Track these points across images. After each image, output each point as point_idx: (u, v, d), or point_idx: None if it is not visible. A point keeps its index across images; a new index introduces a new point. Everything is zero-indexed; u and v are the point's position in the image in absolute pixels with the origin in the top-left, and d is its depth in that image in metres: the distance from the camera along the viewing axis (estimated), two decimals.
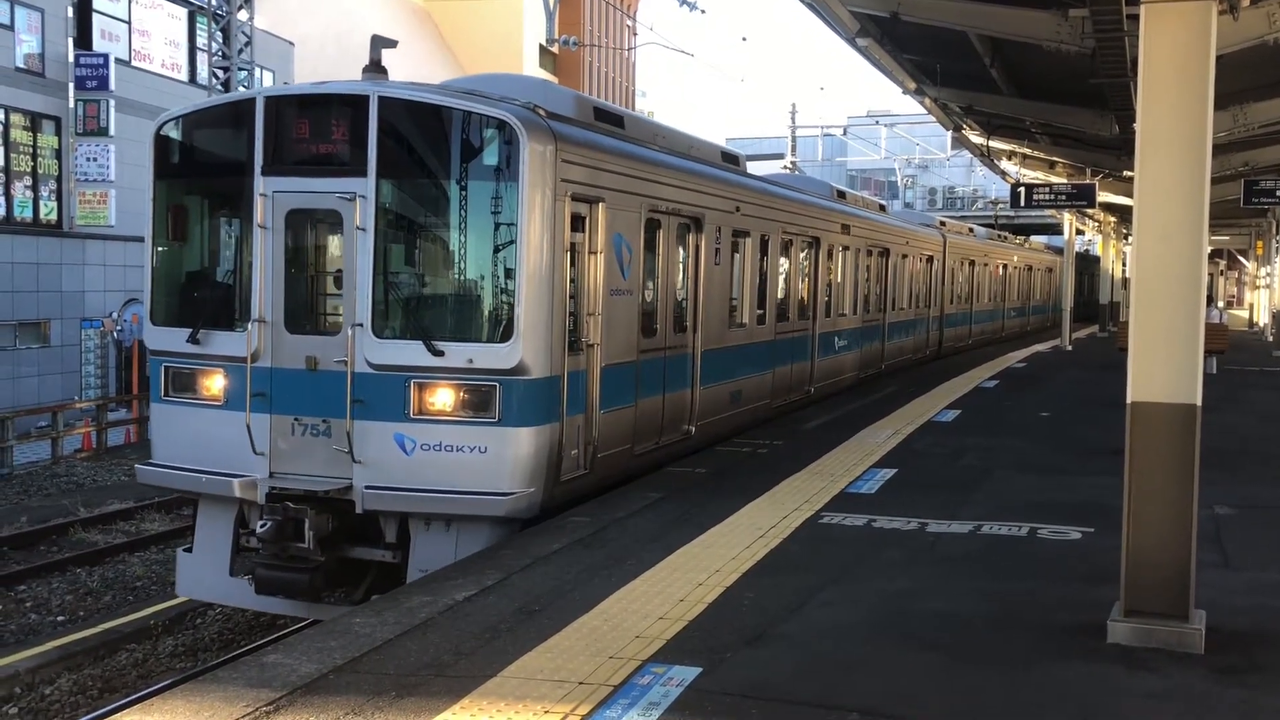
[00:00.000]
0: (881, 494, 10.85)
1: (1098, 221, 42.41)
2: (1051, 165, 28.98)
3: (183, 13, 32.74)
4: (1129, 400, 6.62)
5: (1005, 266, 37.57)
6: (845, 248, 19.33)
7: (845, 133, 56.23)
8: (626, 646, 6.35)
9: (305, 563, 9.12)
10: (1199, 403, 6.51)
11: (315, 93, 9.72)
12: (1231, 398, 19.67)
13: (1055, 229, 55.11)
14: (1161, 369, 6.53)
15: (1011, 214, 57.13)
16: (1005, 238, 41.17)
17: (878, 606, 7.26)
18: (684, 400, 12.68)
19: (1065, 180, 28.25)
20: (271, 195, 9.44)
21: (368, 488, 9.14)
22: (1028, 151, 27.20)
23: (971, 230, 34.95)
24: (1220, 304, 51.10)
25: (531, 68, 59.08)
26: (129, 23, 30.73)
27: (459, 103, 9.34)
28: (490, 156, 9.28)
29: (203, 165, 10.24)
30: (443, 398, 9.15)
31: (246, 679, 5.82)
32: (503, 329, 9.22)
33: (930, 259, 26.74)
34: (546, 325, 9.32)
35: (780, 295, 16.33)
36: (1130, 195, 7.62)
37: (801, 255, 17.21)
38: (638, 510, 9.97)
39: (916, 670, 6.14)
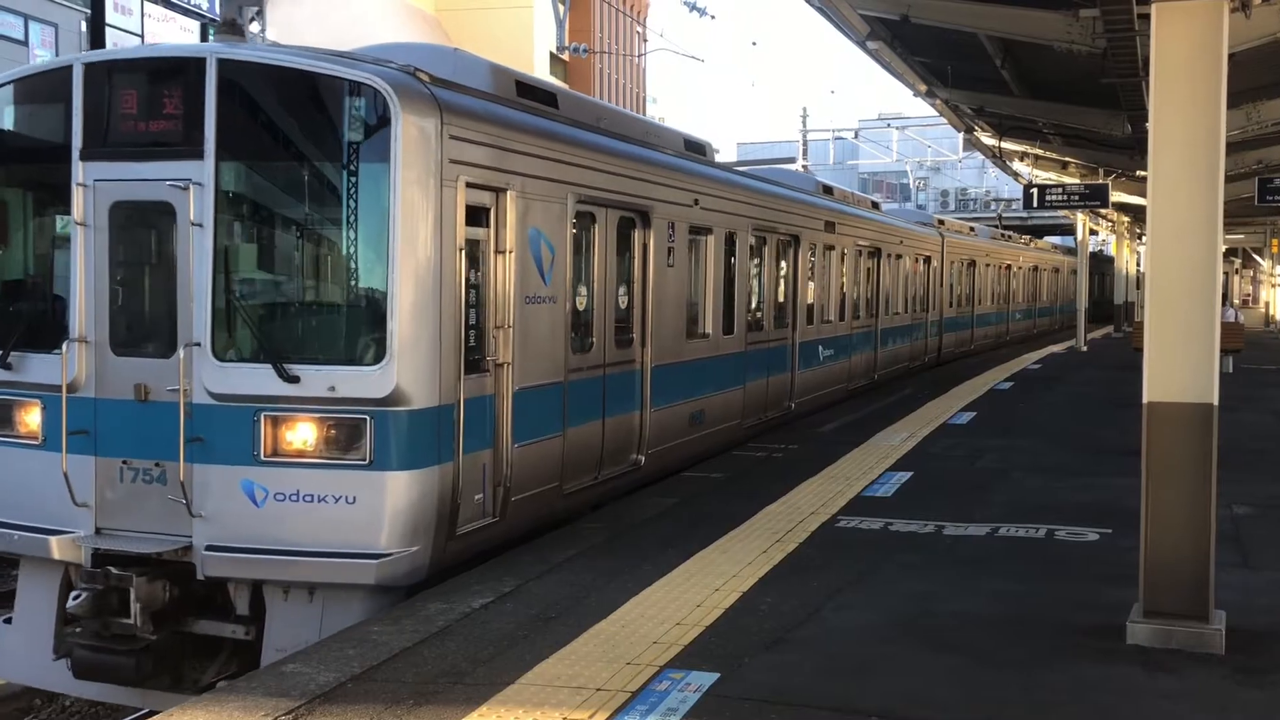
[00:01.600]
0: (898, 497, 10.83)
1: (1111, 222, 42.27)
2: (1064, 166, 28.89)
3: (194, 25, 32.92)
4: (1146, 400, 6.59)
5: (1009, 267, 36.18)
6: (830, 247, 17.71)
7: (857, 136, 56.13)
8: (643, 652, 6.35)
9: (132, 641, 7.39)
10: (1216, 402, 6.49)
11: (143, 56, 8.15)
12: (1249, 397, 19.58)
13: (1068, 229, 54.97)
14: (1178, 369, 6.51)
15: (1024, 215, 56.99)
16: (1009, 237, 39.85)
17: (895, 610, 7.25)
18: (631, 425, 10.91)
19: (1078, 180, 28.17)
20: (92, 185, 7.74)
21: (209, 548, 7.43)
22: (1040, 152, 27.11)
23: (973, 229, 33.56)
24: (1236, 303, 50.87)
25: (543, 75, 59.20)
26: (141, 36, 30.90)
27: (316, 64, 7.63)
28: (355, 131, 7.57)
29: (19, 151, 8.31)
30: (301, 435, 7.44)
31: (265, 688, 5.84)
32: (373, 348, 7.47)
33: (927, 259, 25.38)
34: (432, 342, 7.60)
35: (753, 301, 14.63)
36: (1144, 195, 7.58)
37: (778, 255, 15.60)
38: (652, 516, 9.96)
39: (935, 673, 6.12)
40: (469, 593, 7.53)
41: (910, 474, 11.99)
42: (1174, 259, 6.52)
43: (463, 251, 7.93)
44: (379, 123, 7.45)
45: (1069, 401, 19.44)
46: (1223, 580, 6.94)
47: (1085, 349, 32.76)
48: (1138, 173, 25.33)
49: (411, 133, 7.48)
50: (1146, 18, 8.24)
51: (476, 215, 8.28)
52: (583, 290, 10.09)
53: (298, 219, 7.92)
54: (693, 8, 34.08)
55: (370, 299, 7.62)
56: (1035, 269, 41.48)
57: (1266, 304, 55.06)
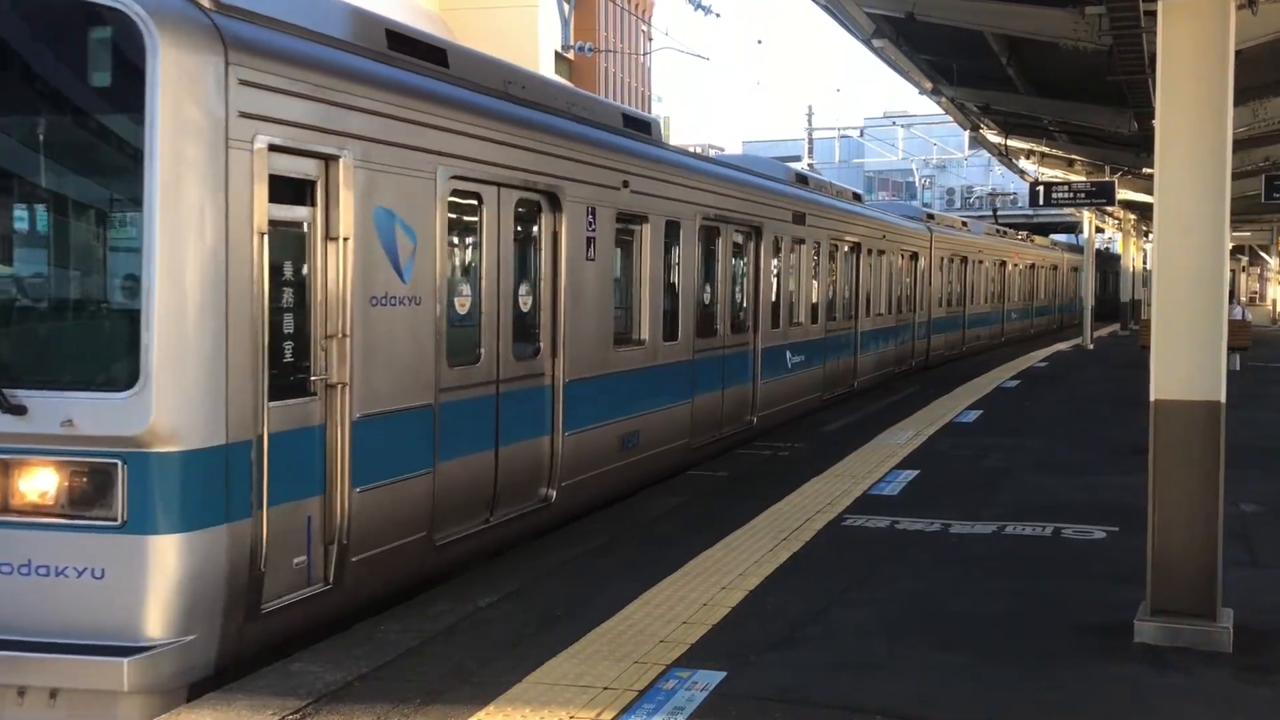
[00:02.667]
0: (904, 496, 10.82)
1: (1117, 219, 42.18)
2: (1070, 163, 28.84)
3: None
4: (1152, 398, 6.59)
5: (1005, 264, 34.60)
6: (800, 241, 15.99)
7: (862, 134, 56.17)
8: (650, 651, 6.35)
9: None
10: (1223, 399, 6.48)
11: None
12: (1256, 394, 19.54)
13: (1074, 227, 54.87)
14: (1184, 366, 6.50)
15: (1030, 213, 56.87)
16: (1005, 232, 38.22)
17: (902, 608, 7.24)
18: (538, 454, 9.09)
19: (1084, 178, 28.12)
20: None
21: None
22: (1046, 150, 27.07)
23: (965, 224, 32.22)
24: (1243, 300, 50.76)
25: (547, 74, 59.22)
26: None
27: None
28: (99, 72, 5.76)
29: None
30: (32, 485, 5.71)
31: (272, 687, 5.84)
32: (123, 367, 5.68)
33: (914, 256, 23.81)
34: (212, 357, 5.77)
35: (702, 301, 12.73)
36: (1150, 192, 7.60)
37: (736, 250, 13.87)
38: (658, 515, 9.96)
39: (942, 672, 6.12)
40: (475, 592, 7.54)
41: (917, 472, 11.98)
42: (1181, 256, 6.51)
43: (265, 237, 6.04)
44: (131, 60, 5.59)
45: (1075, 399, 19.42)
46: (1230, 578, 6.93)
47: (1092, 347, 32.73)
48: (1144, 170, 25.29)
49: (176, 73, 5.60)
50: (1153, 14, 8.22)
51: (292, 189, 6.43)
52: (464, 289, 8.22)
53: (23, 190, 6.07)
54: (698, 6, 34.10)
55: (119, 300, 5.83)
56: (1032, 266, 40.09)
57: (1273, 301, 54.94)
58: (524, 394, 8.91)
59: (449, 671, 6.06)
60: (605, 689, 5.79)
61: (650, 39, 78.49)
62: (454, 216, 8.00)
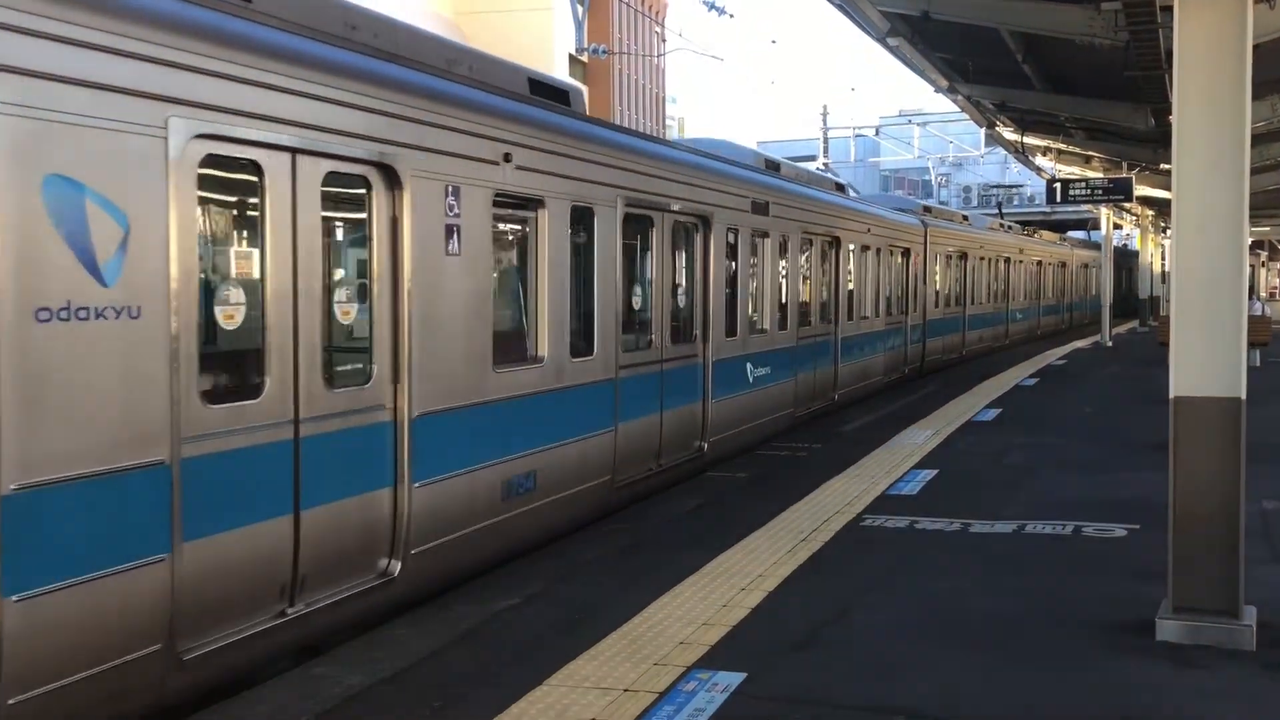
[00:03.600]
0: (923, 495, 10.79)
1: (1135, 215, 42.01)
2: (1087, 160, 28.74)
3: None
4: (1172, 395, 6.56)
5: (1009, 261, 32.45)
6: (763, 234, 13.97)
7: (878, 133, 55.99)
8: (670, 653, 6.35)
9: None
10: (1244, 396, 6.44)
11: None
12: (1277, 390, 19.42)
13: (1085, 224, 54.66)
14: (1204, 363, 6.47)
15: (1047, 210, 56.65)
16: (1010, 227, 35.94)
17: (923, 608, 7.22)
18: (370, 512, 6.89)
19: (1101, 175, 28.02)
20: None
21: None
22: (1063, 147, 26.99)
23: (966, 218, 29.94)
24: (1262, 296, 50.47)
25: (561, 77, 59.34)
26: None
27: None
28: None
29: None
30: None
31: (296, 691, 5.86)
32: None
33: (906, 252, 21.85)
34: None
35: (632, 306, 10.72)
36: (1168, 188, 7.55)
37: (677, 244, 11.72)
38: (676, 518, 9.96)
39: (964, 671, 6.10)
40: (495, 595, 7.55)
41: (936, 472, 11.95)
42: (1199, 252, 6.48)
43: None
44: None
45: (1095, 397, 19.34)
46: (1253, 576, 6.89)
47: (1110, 344, 32.59)
48: (1161, 166, 25.19)
49: None
50: (1169, 10, 8.19)
51: None
52: (232, 296, 5.98)
53: None
54: (711, 7, 34.09)
55: None
56: (1039, 264, 37.64)
57: None
58: (343, 437, 6.69)
59: (470, 674, 6.07)
60: (625, 691, 5.79)
61: (664, 40, 78.48)
62: (212, 194, 6.00)
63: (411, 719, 5.49)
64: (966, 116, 25.37)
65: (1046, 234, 43.50)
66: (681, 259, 11.97)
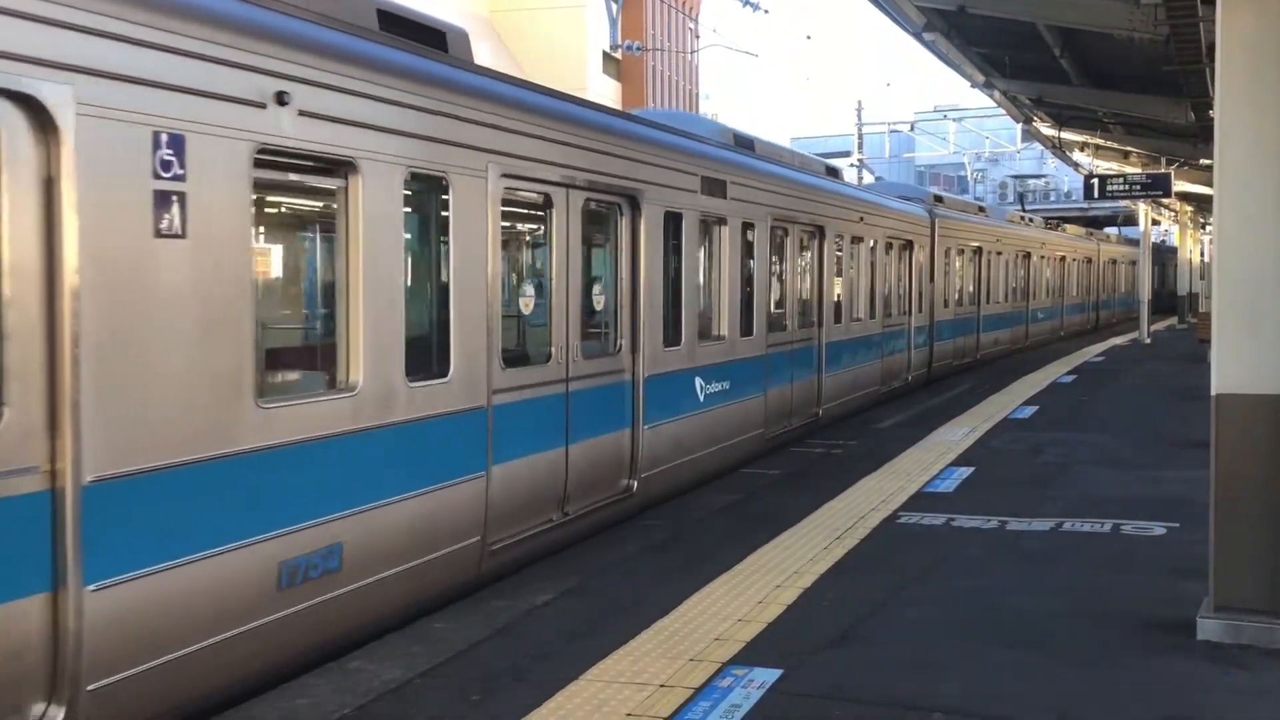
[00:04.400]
0: (959, 492, 10.74)
1: (1174, 211, 41.61)
2: (1125, 155, 28.52)
3: None
4: (1214, 392, 6.50)
5: (1028, 256, 30.08)
6: (718, 221, 11.61)
7: (913, 128, 55.74)
8: (706, 649, 6.35)
9: None
10: None
11: None
12: None
13: (1130, 220, 54.15)
14: (1247, 359, 6.40)
15: (1084, 205, 56.17)
16: (1030, 220, 33.67)
17: (960, 605, 7.19)
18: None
19: (1140, 170, 27.78)
20: None
21: None
22: (1100, 142, 26.79)
23: (983, 209, 27.93)
24: None
25: (595, 74, 59.34)
26: None
27: None
28: None
29: None
30: None
31: (333, 685, 5.90)
32: None
33: (909, 245, 19.79)
34: None
35: (519, 309, 8.75)
36: (1208, 184, 7.50)
37: (590, 232, 9.46)
38: (712, 513, 9.96)
39: (1002, 669, 6.07)
40: (531, 590, 7.58)
41: (972, 469, 11.89)
42: (1242, 248, 6.42)
43: None
44: None
45: (1133, 394, 19.18)
46: None
47: (1149, 341, 32.31)
48: (1202, 161, 24.94)
49: None
50: (1210, 3, 8.11)
51: None
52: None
53: None
54: (746, 2, 34.01)
55: None
56: (1062, 259, 35.07)
57: None
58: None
59: (505, 669, 6.10)
60: (661, 686, 5.80)
61: (698, 37, 78.39)
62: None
63: (448, 713, 5.52)
64: (1003, 112, 25.23)
65: (1071, 228, 41.39)
66: (597, 251, 9.73)
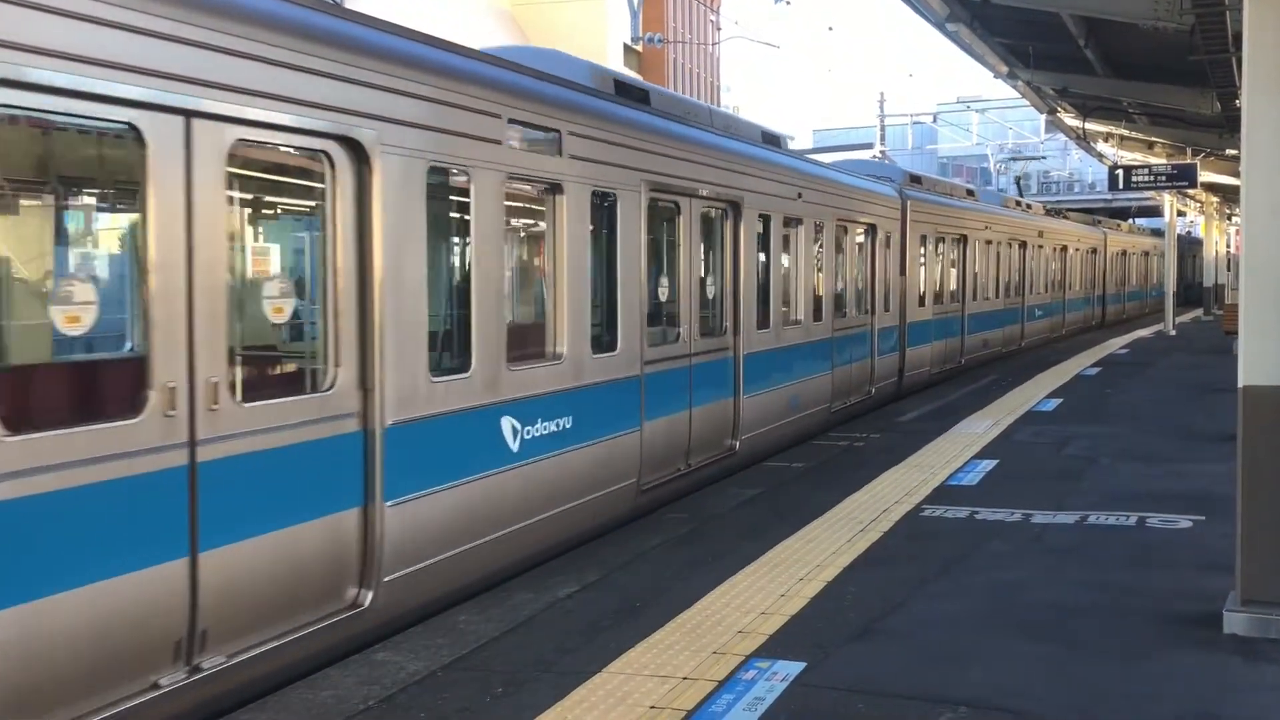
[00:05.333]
0: (983, 486, 10.70)
1: (1199, 202, 41.32)
2: (1150, 146, 28.32)
3: None
4: (1240, 384, 6.45)
5: (1024, 246, 26.58)
6: (550, 189, 8.44)
7: (935, 120, 55.47)
8: (729, 642, 6.35)
9: None
10: None
11: None
12: None
13: (1154, 211, 53.77)
14: (1274, 351, 6.35)
15: (1108, 197, 55.85)
16: (1028, 206, 30.03)
17: (984, 599, 7.17)
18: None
19: (1165, 161, 27.59)
20: None
21: None
22: (1125, 133, 26.61)
23: (971, 192, 24.27)
24: None
25: (616, 66, 59.32)
26: None
27: None
28: None
29: None
30: None
31: (358, 677, 5.94)
32: None
33: (872, 231, 16.45)
34: None
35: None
36: (1234, 174, 7.45)
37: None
38: (734, 506, 9.96)
39: (1027, 662, 6.04)
40: (554, 582, 7.60)
41: (996, 462, 11.84)
42: (1269, 238, 6.36)
43: None
44: None
45: (1158, 387, 19.06)
46: None
47: (1174, 332, 32.11)
48: (1228, 151, 24.75)
49: None
50: None
51: None
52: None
53: None
54: None
55: None
56: (1065, 249, 31.54)
57: None
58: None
59: (529, 661, 6.11)
60: (684, 679, 5.80)
61: (719, 29, 78.22)
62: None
63: (472, 704, 5.54)
64: (1026, 103, 25.09)
65: (1076, 215, 38.07)
66: (263, 227, 7.00)
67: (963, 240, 21.67)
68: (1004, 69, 20.28)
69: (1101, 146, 29.70)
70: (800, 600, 7.11)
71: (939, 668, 5.97)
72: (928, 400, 17.35)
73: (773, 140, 13.74)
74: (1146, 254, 48.10)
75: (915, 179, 20.27)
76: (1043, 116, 28.78)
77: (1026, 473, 11.31)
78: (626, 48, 62.78)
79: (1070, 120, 25.46)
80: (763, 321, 12.40)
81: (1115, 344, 28.92)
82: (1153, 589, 7.34)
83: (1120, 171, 26.09)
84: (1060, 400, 17.04)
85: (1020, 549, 8.41)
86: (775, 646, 6.27)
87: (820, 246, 14.34)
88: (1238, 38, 13.36)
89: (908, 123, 57.91)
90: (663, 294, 10.41)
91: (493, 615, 6.92)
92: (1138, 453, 12.45)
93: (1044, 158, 52.99)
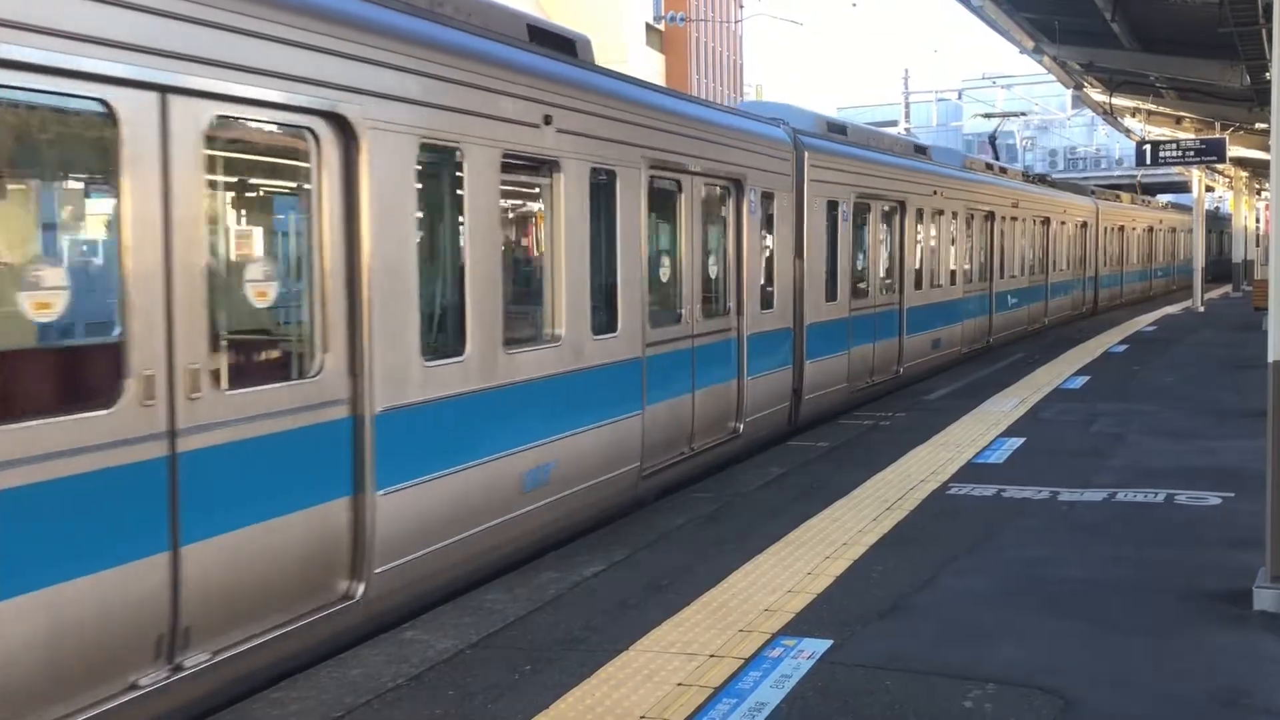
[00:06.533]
0: (1010, 463, 10.66)
1: (1228, 177, 40.91)
2: (1178, 120, 28.03)
3: None
4: (1270, 359, 6.39)
5: (991, 218, 21.30)
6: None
7: (960, 96, 55.10)
8: (755, 620, 6.36)
9: None
10: None
11: None
12: None
13: (1182, 187, 53.26)
14: None
15: (1135, 172, 55.33)
16: (1004, 170, 24.64)
17: (1012, 576, 7.15)
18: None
19: (1193, 135, 27.31)
20: None
21: None
22: (1152, 107, 26.33)
23: (922, 150, 19.01)
24: None
25: (638, 46, 59.12)
26: None
27: None
28: None
29: None
30: None
31: (387, 655, 5.98)
32: None
33: (730, 194, 11.13)
34: None
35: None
36: (1264, 148, 7.35)
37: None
38: (760, 485, 9.95)
39: (1055, 640, 6.03)
40: (580, 561, 7.62)
41: (1023, 440, 11.79)
42: None
43: None
44: None
45: (1186, 364, 18.92)
46: None
47: (1202, 309, 31.85)
48: (1257, 125, 24.49)
49: None
50: None
51: None
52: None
53: None
54: None
55: None
56: (1045, 222, 25.96)
57: None
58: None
59: (557, 639, 6.14)
60: (711, 656, 5.82)
61: (741, 6, 77.86)
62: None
63: (500, 682, 5.56)
64: (1052, 78, 24.86)
65: (1064, 182, 32.73)
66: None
67: (898, 210, 16.15)
68: (1030, 44, 20.10)
69: (1128, 122, 29.42)
70: (826, 578, 7.11)
71: (967, 645, 5.96)
72: (954, 379, 17.27)
73: (564, 44, 8.87)
74: (1151, 229, 41.90)
75: (837, 128, 15.05)
76: (1069, 92, 28.49)
77: (1054, 450, 11.26)
78: (649, 27, 62.55)
79: (1097, 95, 25.22)
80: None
81: (1143, 321, 28.71)
82: (1182, 566, 7.30)
83: (1148, 147, 25.82)
84: (1088, 378, 16.95)
85: (1047, 526, 8.38)
86: (802, 624, 6.27)
87: (621, 213, 9.09)
88: (1268, 9, 13.20)
89: (933, 100, 57.57)
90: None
91: (519, 594, 6.95)
92: (1166, 429, 12.38)
93: (1024, 114, 50.09)
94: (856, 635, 6.10)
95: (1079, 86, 24.86)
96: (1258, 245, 40.58)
